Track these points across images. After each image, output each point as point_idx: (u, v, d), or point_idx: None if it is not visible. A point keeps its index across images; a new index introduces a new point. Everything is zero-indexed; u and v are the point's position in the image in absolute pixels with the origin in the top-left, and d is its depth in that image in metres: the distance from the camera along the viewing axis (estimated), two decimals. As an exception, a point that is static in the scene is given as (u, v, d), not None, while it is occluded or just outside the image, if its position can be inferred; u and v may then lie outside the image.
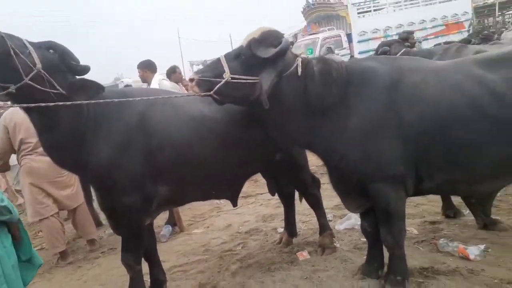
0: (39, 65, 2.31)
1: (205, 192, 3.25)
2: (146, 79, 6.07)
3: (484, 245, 3.35)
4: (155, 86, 5.80)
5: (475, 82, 2.55)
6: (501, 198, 4.42)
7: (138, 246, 3.00)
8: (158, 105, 2.87)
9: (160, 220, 5.28)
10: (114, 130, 2.72)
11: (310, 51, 16.50)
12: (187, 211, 5.72)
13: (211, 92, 2.56)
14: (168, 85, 6.21)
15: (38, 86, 2.33)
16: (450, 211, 4.11)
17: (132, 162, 2.74)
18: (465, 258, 3.22)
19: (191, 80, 2.61)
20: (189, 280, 3.56)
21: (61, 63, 2.49)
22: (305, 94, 2.64)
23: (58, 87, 2.40)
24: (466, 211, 4.09)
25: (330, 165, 2.87)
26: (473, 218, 3.92)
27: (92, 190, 5.44)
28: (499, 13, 22.86)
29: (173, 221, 5.06)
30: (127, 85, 9.02)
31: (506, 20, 23.43)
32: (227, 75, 2.53)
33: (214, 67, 2.63)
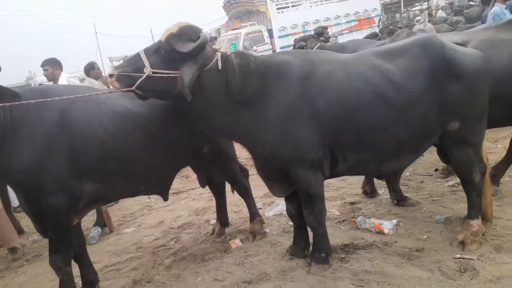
0: None
1: (134, 188, 3.24)
2: (54, 77, 5.76)
3: (396, 219, 3.75)
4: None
5: (376, 72, 2.86)
6: (410, 177, 4.95)
7: (67, 247, 2.92)
8: (79, 102, 2.81)
9: (88, 222, 5.12)
10: (34, 132, 2.63)
11: (233, 46, 16.67)
12: (117, 212, 5.61)
13: (133, 87, 2.59)
14: (77, 83, 6.01)
15: None
16: (368, 187, 4.50)
17: (56, 162, 2.67)
18: (381, 232, 3.58)
19: (111, 75, 2.62)
20: (123, 278, 3.53)
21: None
22: (227, 87, 2.76)
23: None
24: (381, 191, 4.52)
25: (255, 154, 3.02)
26: (387, 196, 4.36)
27: (10, 196, 5.14)
28: (404, 9, 24.84)
29: (102, 222, 4.92)
30: (41, 84, 8.49)
31: (411, 16, 25.54)
32: (147, 70, 2.58)
33: (134, 62, 2.66)
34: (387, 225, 3.61)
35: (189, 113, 2.90)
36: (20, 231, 5.19)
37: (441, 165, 4.79)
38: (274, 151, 2.84)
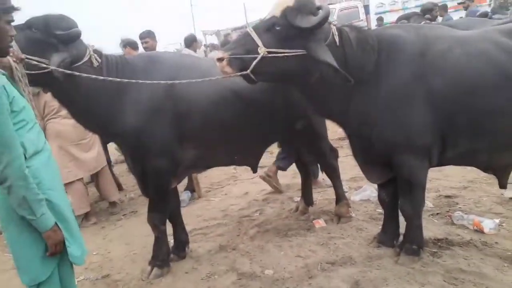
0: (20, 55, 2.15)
1: (230, 157, 3.35)
2: (153, 49, 6.05)
3: (499, 219, 3.43)
4: None
5: (501, 50, 2.54)
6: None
7: (164, 207, 3.14)
8: (185, 70, 2.91)
9: (179, 186, 5.43)
10: (142, 96, 2.80)
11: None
12: (204, 179, 5.86)
13: (248, 71, 2.39)
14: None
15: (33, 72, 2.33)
16: None
17: (162, 127, 2.83)
18: (480, 231, 3.30)
19: (220, 59, 2.42)
20: (209, 242, 3.71)
21: (47, 38, 2.48)
22: (346, 64, 2.54)
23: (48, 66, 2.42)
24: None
25: (360, 135, 2.85)
26: (488, 194, 4.00)
27: (110, 154, 5.64)
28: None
29: (192, 188, 5.20)
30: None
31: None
32: (262, 50, 2.36)
33: (244, 42, 2.44)
34: (488, 224, 3.31)
35: (302, 92, 2.79)
36: (119, 187, 5.69)
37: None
38: (382, 133, 2.67)
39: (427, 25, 3.32)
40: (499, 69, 2.51)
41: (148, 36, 6.04)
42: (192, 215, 4.52)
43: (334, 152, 3.82)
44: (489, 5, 18.00)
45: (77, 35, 2.58)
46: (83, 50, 2.65)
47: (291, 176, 5.41)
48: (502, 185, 2.98)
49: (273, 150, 6.26)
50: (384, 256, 3.08)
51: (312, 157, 3.88)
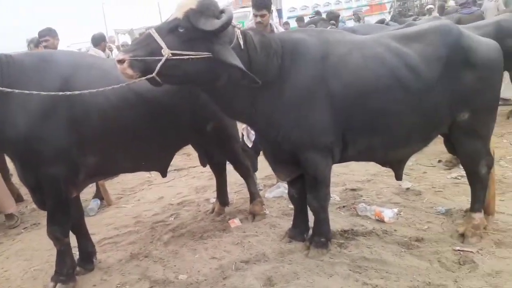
0: None
1: (135, 163, 3.20)
2: (55, 48, 5.62)
3: (397, 208, 3.74)
4: None
5: (393, 55, 2.78)
6: (413, 167, 4.92)
7: (65, 218, 2.90)
8: (84, 69, 2.72)
9: (88, 194, 5.12)
10: (32, 99, 2.49)
11: (242, 24, 16.41)
12: (117, 185, 5.60)
13: (154, 74, 2.30)
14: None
15: None
16: None
17: (56, 132, 2.60)
18: (381, 220, 3.57)
19: (121, 61, 2.29)
20: (120, 251, 3.53)
21: None
22: (250, 67, 2.56)
23: None
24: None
25: (268, 136, 2.92)
26: (388, 185, 4.34)
27: (8, 162, 5.12)
28: (417, -3, 24.28)
29: (100, 195, 4.92)
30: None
31: (423, 4, 24.98)
32: (166, 52, 2.29)
33: (145, 44, 2.34)
34: (388, 214, 3.59)
35: (207, 96, 2.77)
36: (19, 198, 5.20)
37: (445, 156, 4.75)
38: (288, 134, 2.77)
39: (329, 30, 3.52)
40: (391, 72, 2.74)
41: (48, 34, 5.58)
42: (101, 224, 4.27)
43: (245, 152, 3.86)
44: (389, 12, 19.64)
45: None
46: None
47: (207, 177, 5.38)
48: (398, 177, 3.26)
49: (190, 152, 6.20)
50: (295, 251, 3.19)
51: (224, 157, 3.88)
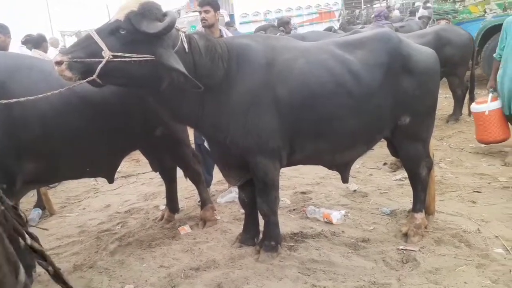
0: None
1: (80, 169, 3.06)
2: (6, 46, 5.29)
3: (345, 210, 3.83)
4: None
5: (337, 61, 2.86)
6: (360, 170, 5.08)
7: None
8: (23, 71, 2.56)
9: (29, 203, 4.83)
10: None
11: (193, 28, 16.27)
12: (61, 193, 5.34)
13: (94, 76, 2.26)
14: (30, 53, 5.56)
15: None
16: None
17: None
18: (329, 222, 3.64)
19: (58, 63, 2.24)
20: (63, 263, 3.34)
21: None
22: (195, 71, 2.56)
23: None
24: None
25: (216, 141, 2.91)
26: (337, 188, 4.45)
27: None
28: (364, 6, 25.34)
29: (42, 204, 4.65)
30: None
31: (370, 13, 26.08)
32: (107, 53, 2.26)
33: (86, 45, 2.32)
34: (336, 215, 3.67)
35: (151, 99, 2.71)
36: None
37: (390, 159, 4.95)
38: (236, 139, 2.77)
39: (275, 36, 3.57)
40: (335, 78, 2.82)
41: (1, 32, 5.20)
42: (43, 234, 4.02)
43: (196, 157, 3.81)
44: (338, 20, 20.29)
45: None
46: None
47: (157, 184, 5.26)
48: (345, 180, 3.35)
49: (139, 157, 6.03)
50: (246, 256, 3.18)
51: (174, 163, 3.80)
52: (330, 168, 3.30)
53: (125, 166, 6.15)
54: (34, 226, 4.28)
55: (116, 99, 2.90)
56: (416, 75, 2.94)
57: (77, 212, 4.72)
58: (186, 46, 2.53)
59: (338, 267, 2.94)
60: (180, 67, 2.35)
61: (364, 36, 3.08)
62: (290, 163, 3.07)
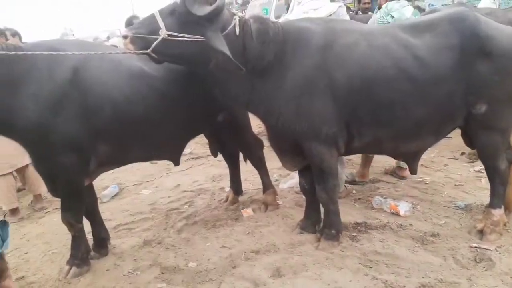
0: None
1: (146, 152, 3.23)
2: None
3: (414, 202, 3.64)
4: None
5: (401, 46, 2.67)
6: (434, 159, 4.77)
7: (78, 205, 2.97)
8: (95, 60, 2.74)
9: (109, 180, 5.24)
10: (43, 88, 2.55)
11: (265, 11, 16.21)
12: (136, 172, 5.69)
13: (149, 50, 2.48)
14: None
15: None
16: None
17: (68, 121, 2.62)
18: (396, 214, 3.48)
19: (125, 37, 2.51)
20: (134, 237, 3.60)
21: None
22: (244, 54, 2.63)
23: None
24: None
25: (269, 124, 2.93)
26: (406, 179, 4.22)
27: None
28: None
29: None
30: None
31: None
32: (163, 32, 2.45)
33: (148, 23, 2.52)
34: (404, 207, 3.49)
35: (205, 80, 2.82)
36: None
37: (469, 149, 4.57)
38: (288, 123, 2.74)
39: (338, 19, 3.42)
40: (396, 63, 2.64)
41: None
42: (119, 210, 4.36)
43: (258, 142, 3.83)
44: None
45: None
46: None
47: (224, 166, 5.37)
48: (413, 171, 3.15)
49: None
50: (306, 242, 3.16)
51: (236, 148, 3.86)
52: (395, 157, 3.14)
53: (195, 148, 6.39)
54: (106, 201, 4.64)
55: (181, 87, 3.01)
56: (496, 58, 2.63)
57: (150, 190, 5.01)
58: (237, 29, 2.59)
59: (403, 261, 2.81)
60: (225, 49, 2.44)
61: (436, 17, 2.82)
62: (349, 151, 2.96)
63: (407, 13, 3.61)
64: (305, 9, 3.57)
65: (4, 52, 2.34)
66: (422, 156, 3.23)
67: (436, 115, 2.77)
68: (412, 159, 3.07)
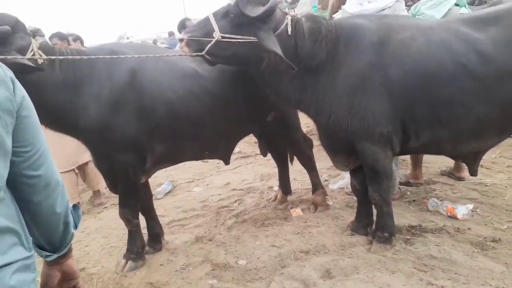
0: None
1: (199, 151, 3.31)
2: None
3: (473, 205, 3.45)
4: None
5: (461, 41, 2.53)
6: (496, 160, 4.50)
7: (135, 201, 3.11)
8: (150, 62, 2.85)
9: (162, 178, 5.44)
10: (104, 90, 2.69)
11: (314, 8, 16.03)
12: (188, 169, 5.85)
13: (203, 52, 2.55)
14: None
15: None
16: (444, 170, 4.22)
17: (127, 121, 2.76)
18: (453, 217, 3.32)
19: (181, 40, 2.61)
20: (187, 234, 3.71)
21: None
22: (296, 53, 2.63)
23: None
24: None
25: (320, 124, 2.90)
26: (465, 180, 4.01)
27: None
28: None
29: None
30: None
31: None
32: (217, 34, 2.51)
33: (203, 26, 2.60)
34: (462, 210, 3.33)
35: (256, 80, 2.85)
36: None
37: (535, 149, 4.28)
38: (340, 122, 2.69)
39: (394, 15, 3.30)
40: (456, 59, 2.51)
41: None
42: (172, 206, 4.51)
43: (308, 142, 3.80)
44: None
45: (6, 34, 2.26)
46: (26, 45, 2.41)
47: (273, 165, 5.40)
48: (473, 173, 2.99)
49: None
50: (357, 244, 3.10)
51: (286, 147, 3.86)
52: (454, 158, 2.98)
53: (244, 146, 6.47)
54: (159, 198, 4.80)
55: (232, 88, 3.07)
56: None
57: (202, 187, 5.14)
58: (289, 29, 2.60)
59: (460, 266, 2.68)
60: (277, 49, 2.47)
61: (502, 9, 2.65)
62: (405, 151, 2.86)
63: (439, 13, 3.46)
64: (360, 0, 3.48)
65: (71, 56, 2.50)
66: (483, 157, 3.06)
67: (501, 114, 2.59)
68: (472, 160, 2.90)
